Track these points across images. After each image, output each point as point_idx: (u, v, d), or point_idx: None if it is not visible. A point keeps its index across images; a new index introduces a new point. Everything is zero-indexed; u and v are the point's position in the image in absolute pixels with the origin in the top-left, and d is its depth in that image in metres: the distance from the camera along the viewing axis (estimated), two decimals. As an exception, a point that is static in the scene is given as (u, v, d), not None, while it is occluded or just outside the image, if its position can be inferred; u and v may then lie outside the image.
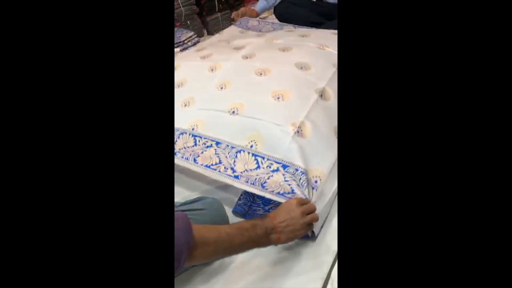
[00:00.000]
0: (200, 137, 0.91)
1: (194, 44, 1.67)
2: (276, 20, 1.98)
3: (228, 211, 0.85)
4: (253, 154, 0.83)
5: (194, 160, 0.87)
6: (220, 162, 0.85)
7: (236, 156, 0.84)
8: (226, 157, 0.85)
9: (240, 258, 0.78)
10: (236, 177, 0.82)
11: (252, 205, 0.85)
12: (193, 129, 0.93)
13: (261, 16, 2.07)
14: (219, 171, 0.83)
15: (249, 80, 1.00)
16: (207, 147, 0.89)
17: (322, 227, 0.80)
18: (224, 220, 0.78)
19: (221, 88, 1.00)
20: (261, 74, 1.01)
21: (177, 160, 0.88)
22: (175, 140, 0.93)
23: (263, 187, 0.80)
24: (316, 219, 0.73)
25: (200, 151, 0.88)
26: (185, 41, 1.65)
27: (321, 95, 0.95)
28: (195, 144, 0.90)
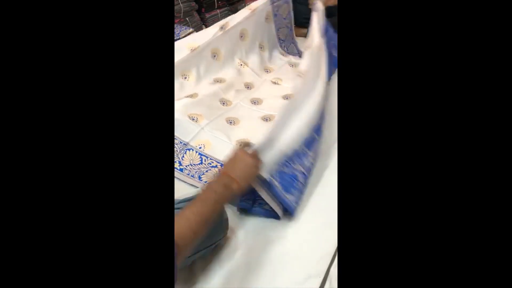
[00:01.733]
0: (207, 157, 1.02)
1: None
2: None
3: (227, 209, 0.86)
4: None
5: (199, 177, 0.98)
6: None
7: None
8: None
9: (238, 255, 0.78)
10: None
11: (256, 198, 0.87)
12: (200, 148, 1.05)
13: None
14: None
15: (257, 123, 1.19)
16: (212, 166, 1.00)
17: (297, 203, 0.86)
18: (223, 217, 0.78)
19: (231, 123, 1.17)
20: (267, 119, 1.20)
21: (184, 177, 0.98)
22: (182, 155, 1.03)
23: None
24: (258, 154, 0.76)
25: (205, 170, 0.99)
26: (184, 38, 1.64)
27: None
28: (201, 163, 1.01)
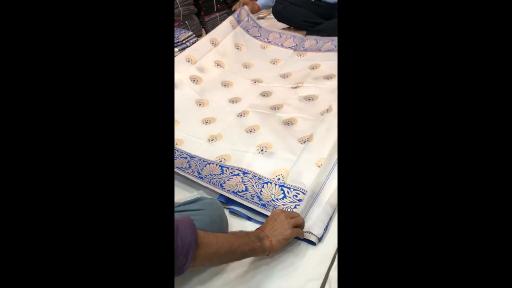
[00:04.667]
0: (227, 168, 0.99)
1: (193, 44, 1.67)
2: (275, 22, 1.97)
3: (226, 213, 0.86)
4: (279, 185, 0.93)
5: (221, 185, 0.93)
6: (246, 190, 0.91)
7: (263, 186, 0.92)
8: (253, 185, 0.92)
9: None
10: (264, 205, 0.87)
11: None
12: (220, 161, 1.03)
13: (259, 15, 2.06)
14: (247, 198, 0.89)
15: (277, 127, 1.14)
16: (234, 175, 0.96)
17: (325, 229, 0.81)
18: (223, 221, 0.78)
19: (250, 131, 1.14)
20: (289, 123, 1.16)
21: (204, 183, 0.94)
22: (201, 168, 1.00)
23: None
24: (302, 221, 0.78)
25: (227, 179, 0.94)
26: (184, 41, 1.65)
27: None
28: (222, 173, 0.97)
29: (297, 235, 0.76)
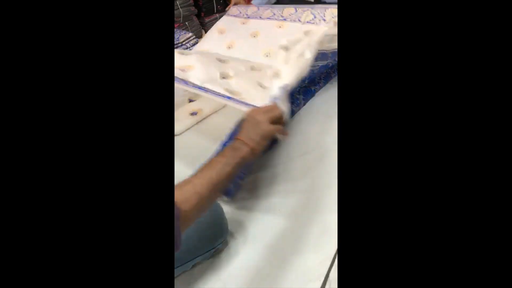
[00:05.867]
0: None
1: (193, 45, 1.67)
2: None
3: (227, 212, 0.86)
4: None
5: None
6: None
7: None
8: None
9: (238, 258, 0.78)
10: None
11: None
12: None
13: None
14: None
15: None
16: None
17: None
18: (223, 221, 0.78)
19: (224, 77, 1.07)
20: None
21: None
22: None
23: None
24: (278, 113, 0.69)
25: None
26: (184, 42, 1.65)
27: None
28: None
29: (276, 131, 0.68)
